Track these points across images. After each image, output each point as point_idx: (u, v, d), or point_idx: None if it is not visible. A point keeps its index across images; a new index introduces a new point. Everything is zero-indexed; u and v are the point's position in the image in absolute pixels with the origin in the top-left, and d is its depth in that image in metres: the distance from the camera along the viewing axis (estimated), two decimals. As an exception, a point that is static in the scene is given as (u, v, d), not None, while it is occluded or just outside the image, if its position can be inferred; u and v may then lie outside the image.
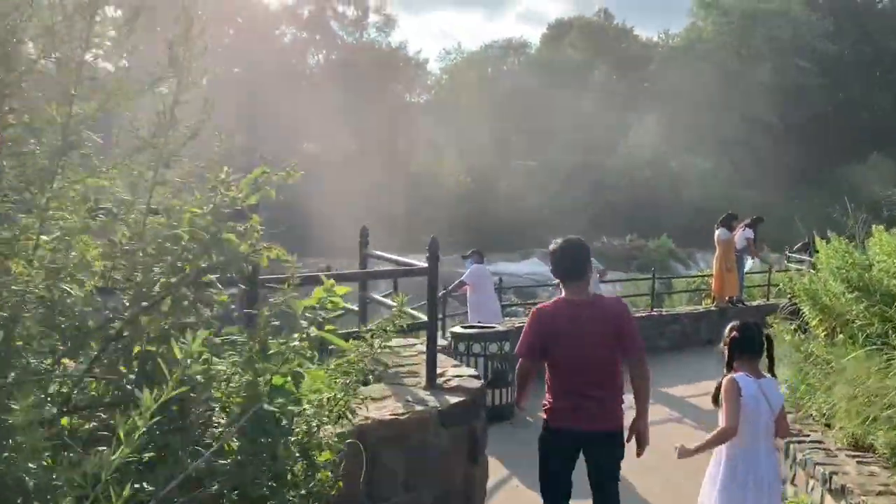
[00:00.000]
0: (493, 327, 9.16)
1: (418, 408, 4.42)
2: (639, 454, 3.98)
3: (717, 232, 13.23)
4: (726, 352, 3.93)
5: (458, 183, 41.67)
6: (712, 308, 13.74)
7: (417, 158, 45.45)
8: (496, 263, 30.62)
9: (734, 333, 3.90)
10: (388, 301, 6.43)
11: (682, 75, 48.97)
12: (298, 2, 47.90)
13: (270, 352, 2.24)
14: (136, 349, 2.09)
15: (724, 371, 3.94)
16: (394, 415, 4.25)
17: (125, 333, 2.06)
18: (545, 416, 4.01)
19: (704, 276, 15.89)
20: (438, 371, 5.16)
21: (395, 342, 3.31)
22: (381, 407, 4.33)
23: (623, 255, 34.15)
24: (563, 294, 3.97)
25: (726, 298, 13.60)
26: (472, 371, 5.91)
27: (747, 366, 3.87)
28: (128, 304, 2.08)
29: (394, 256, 6.21)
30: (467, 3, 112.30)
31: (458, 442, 4.64)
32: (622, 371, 3.94)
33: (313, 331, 2.32)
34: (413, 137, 46.88)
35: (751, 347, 3.87)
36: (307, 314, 2.37)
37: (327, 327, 2.42)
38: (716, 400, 3.88)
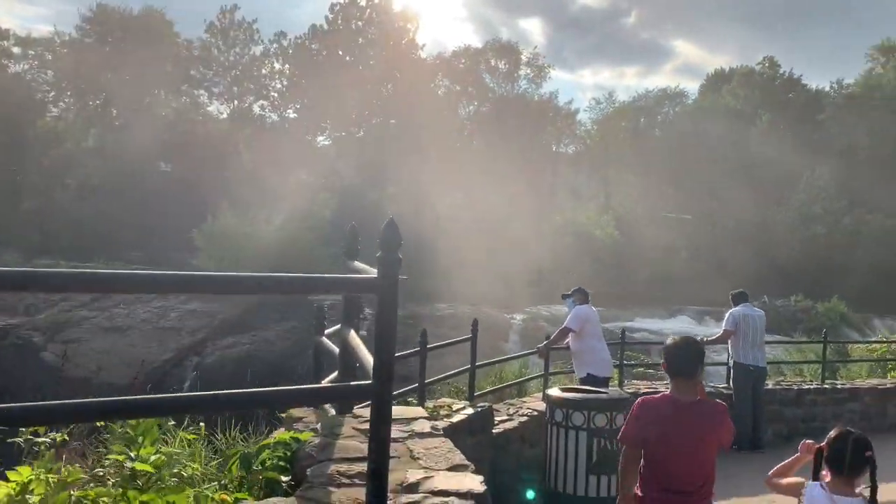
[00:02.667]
0: (603, 392, 6.90)
1: None
2: None
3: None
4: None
5: (606, 235, 39.34)
6: (905, 384, 10.65)
7: (565, 210, 43.50)
8: (637, 320, 27.80)
9: (824, 443, 3.52)
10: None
11: (859, 125, 43.97)
12: (455, 55, 47.76)
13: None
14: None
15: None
16: None
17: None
18: None
19: (892, 341, 12.58)
20: (412, 476, 3.11)
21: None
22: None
23: (787, 318, 29.99)
24: (671, 390, 3.98)
25: (926, 372, 10.49)
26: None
27: (834, 480, 3.44)
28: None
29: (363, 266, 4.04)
30: (622, 59, 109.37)
31: None
32: (715, 472, 3.92)
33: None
34: (561, 188, 44.95)
35: (836, 465, 3.44)
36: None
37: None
38: None
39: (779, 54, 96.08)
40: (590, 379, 7.47)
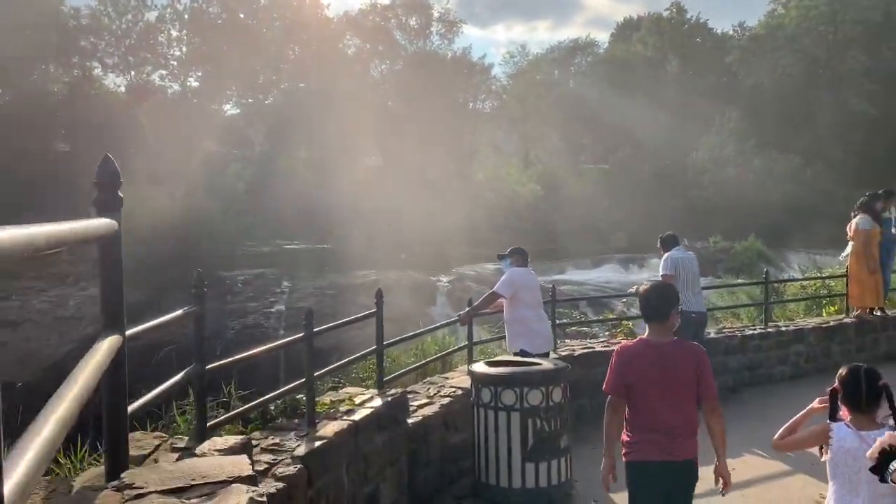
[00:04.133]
0: (536, 363, 5.79)
1: None
2: (724, 493, 4.00)
3: (855, 220, 9.46)
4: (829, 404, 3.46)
5: (528, 191, 38.51)
6: (846, 320, 9.96)
7: (484, 166, 42.44)
8: (567, 272, 27.09)
9: (836, 383, 3.46)
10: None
11: (764, 66, 44.17)
12: (362, 12, 45.57)
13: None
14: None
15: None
16: None
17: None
18: (625, 454, 3.95)
19: (826, 277, 11.96)
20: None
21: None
22: None
23: (708, 259, 29.84)
24: (647, 334, 3.98)
25: (868, 308, 9.80)
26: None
27: (855, 418, 3.35)
28: None
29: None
30: (533, 13, 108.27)
31: None
32: (697, 412, 3.93)
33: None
34: (479, 145, 43.80)
35: (853, 401, 3.37)
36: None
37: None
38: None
39: (685, 1, 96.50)
40: (523, 355, 6.34)
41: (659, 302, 3.95)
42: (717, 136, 41.97)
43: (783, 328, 9.62)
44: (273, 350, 4.51)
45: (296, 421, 4.61)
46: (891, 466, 2.93)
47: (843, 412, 3.46)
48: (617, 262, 29.66)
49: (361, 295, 18.77)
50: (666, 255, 7.93)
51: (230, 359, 4.02)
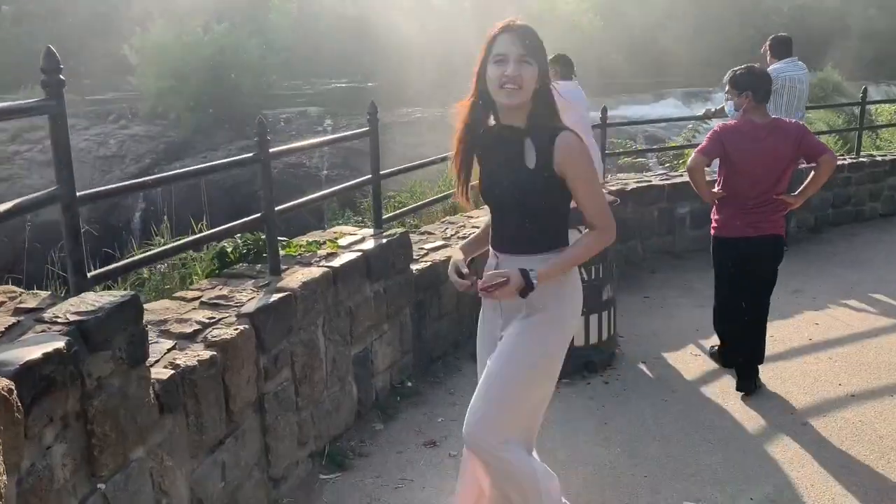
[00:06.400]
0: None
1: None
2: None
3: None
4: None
5: (588, 23, 35.32)
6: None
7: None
8: (622, 108, 24.96)
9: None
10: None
11: None
12: None
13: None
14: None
15: None
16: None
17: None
18: (715, 229, 4.06)
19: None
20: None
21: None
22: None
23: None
24: (744, 114, 3.94)
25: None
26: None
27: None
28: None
29: None
30: None
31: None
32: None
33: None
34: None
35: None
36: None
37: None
38: None
39: None
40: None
41: (763, 81, 3.91)
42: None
43: (878, 158, 8.00)
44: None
45: (258, 267, 3.53)
46: None
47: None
48: (679, 96, 27.27)
49: (403, 133, 17.44)
50: (773, 66, 6.20)
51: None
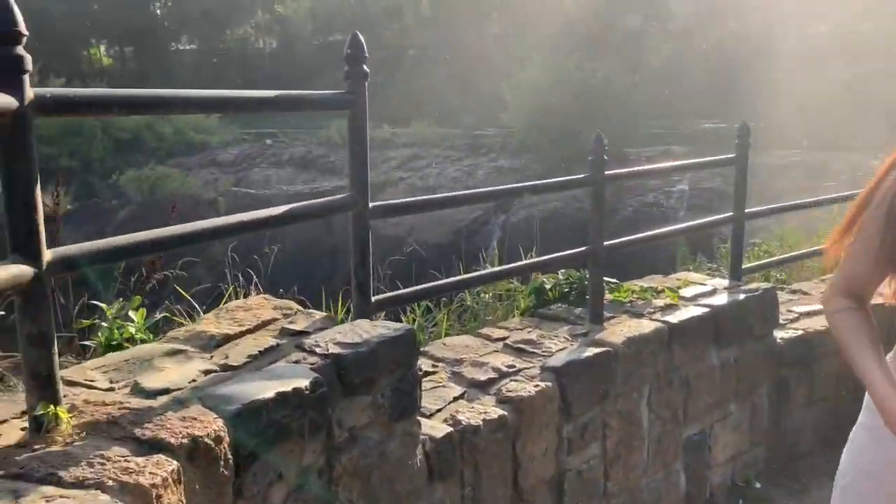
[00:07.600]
0: None
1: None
2: None
3: None
4: None
5: None
6: None
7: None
8: None
9: None
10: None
11: None
12: None
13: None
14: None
15: None
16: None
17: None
18: None
19: None
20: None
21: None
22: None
23: None
24: None
25: None
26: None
27: None
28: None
29: None
30: None
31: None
32: None
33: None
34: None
35: None
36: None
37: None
38: None
39: None
40: None
41: None
42: None
43: None
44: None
45: (578, 311, 2.94)
46: None
47: None
48: None
49: (773, 176, 15.57)
50: None
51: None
